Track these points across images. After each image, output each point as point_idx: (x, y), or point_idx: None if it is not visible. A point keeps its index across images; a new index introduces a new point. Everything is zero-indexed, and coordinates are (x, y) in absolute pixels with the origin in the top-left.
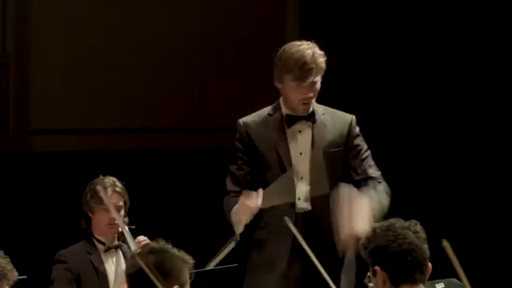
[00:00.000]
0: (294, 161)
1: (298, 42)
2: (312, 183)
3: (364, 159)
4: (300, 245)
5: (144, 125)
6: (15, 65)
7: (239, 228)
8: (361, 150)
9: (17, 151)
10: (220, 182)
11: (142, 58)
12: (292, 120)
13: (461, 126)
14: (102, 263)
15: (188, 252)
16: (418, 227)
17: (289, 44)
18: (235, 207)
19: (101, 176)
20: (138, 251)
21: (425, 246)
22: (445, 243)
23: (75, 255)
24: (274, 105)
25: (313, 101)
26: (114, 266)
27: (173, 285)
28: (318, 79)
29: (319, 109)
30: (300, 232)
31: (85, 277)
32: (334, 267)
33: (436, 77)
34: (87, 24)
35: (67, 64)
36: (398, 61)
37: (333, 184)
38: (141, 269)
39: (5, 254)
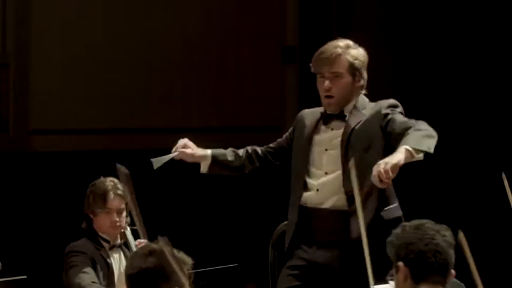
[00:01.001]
0: (318, 157)
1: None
2: (343, 180)
3: (404, 124)
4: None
5: (144, 125)
6: (15, 65)
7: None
8: (397, 121)
9: (17, 151)
10: (220, 182)
11: (142, 58)
12: (327, 118)
13: (465, 124)
14: (109, 258)
15: (188, 252)
16: (448, 232)
17: None
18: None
19: (102, 177)
20: (138, 252)
21: (452, 251)
22: (461, 236)
23: (87, 247)
24: None
25: (342, 95)
26: (118, 264)
27: (173, 287)
28: (339, 71)
29: (362, 105)
30: (302, 223)
31: (98, 267)
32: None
33: (437, 75)
34: (87, 24)
35: (67, 64)
36: (399, 61)
37: (362, 180)
38: (142, 271)
39: (5, 253)
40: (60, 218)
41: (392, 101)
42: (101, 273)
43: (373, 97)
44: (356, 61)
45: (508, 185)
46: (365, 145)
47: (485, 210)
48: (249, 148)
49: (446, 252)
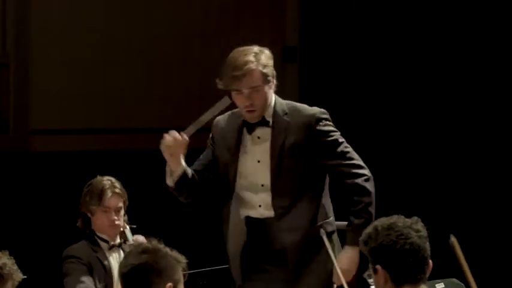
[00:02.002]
0: (252, 169)
1: (243, 48)
2: (273, 191)
3: (336, 158)
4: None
5: (144, 125)
6: (15, 65)
7: (176, 171)
8: (330, 149)
9: (17, 151)
10: None
11: (142, 58)
12: (250, 126)
13: (462, 123)
14: (107, 259)
15: (186, 252)
16: (420, 225)
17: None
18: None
19: (98, 176)
20: (132, 250)
21: (427, 244)
22: (453, 239)
23: (84, 251)
24: None
25: (263, 106)
26: (118, 264)
27: (166, 284)
28: (256, 85)
29: (282, 109)
30: (249, 236)
31: (95, 271)
32: (286, 272)
33: (436, 75)
34: (87, 24)
35: (67, 64)
36: (399, 61)
37: (298, 191)
38: (134, 268)
39: None
40: (60, 218)
41: (318, 114)
42: (97, 277)
43: (374, 97)
44: (266, 69)
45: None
46: (296, 158)
47: (477, 213)
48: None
49: (422, 247)
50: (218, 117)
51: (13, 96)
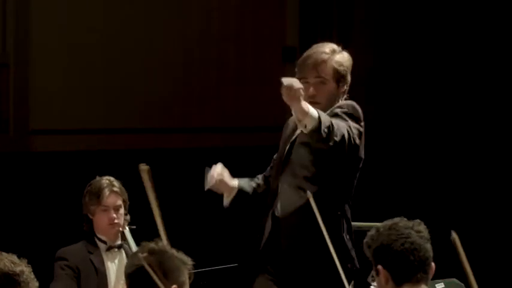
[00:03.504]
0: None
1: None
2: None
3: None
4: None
5: (144, 125)
6: (15, 65)
7: (229, 195)
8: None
9: (17, 151)
10: None
11: (142, 58)
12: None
13: (466, 126)
14: (102, 262)
15: (188, 252)
16: (422, 227)
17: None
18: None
19: (97, 177)
20: (138, 251)
21: (429, 245)
22: (455, 236)
23: (75, 253)
24: None
25: (327, 101)
26: (117, 266)
27: (172, 286)
28: (324, 77)
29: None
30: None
31: (84, 275)
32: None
33: (439, 74)
34: (87, 24)
35: (67, 64)
36: (399, 61)
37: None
38: (139, 268)
39: (5, 253)
40: (60, 218)
41: (346, 106)
42: (86, 281)
43: (374, 97)
44: (341, 67)
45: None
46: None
47: (477, 211)
48: (262, 177)
49: (423, 248)
50: (289, 118)
51: (13, 96)
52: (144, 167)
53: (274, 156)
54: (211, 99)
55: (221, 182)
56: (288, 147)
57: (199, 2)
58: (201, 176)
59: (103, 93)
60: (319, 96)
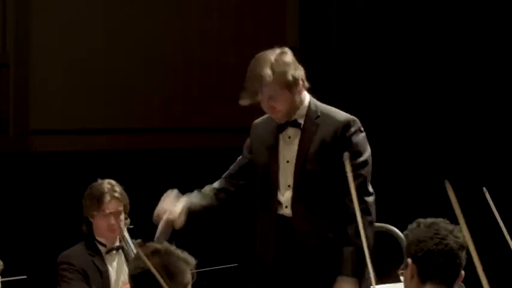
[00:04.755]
0: (282, 169)
1: (267, 52)
2: (294, 192)
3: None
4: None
5: (144, 125)
6: (15, 65)
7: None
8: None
9: (17, 151)
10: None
11: (142, 58)
12: (282, 125)
13: (462, 125)
14: (104, 264)
15: (188, 252)
16: (461, 234)
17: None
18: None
19: (99, 180)
20: (142, 251)
21: (462, 254)
22: (448, 184)
23: (79, 256)
24: None
25: (288, 109)
26: (116, 267)
27: (177, 287)
28: (272, 94)
29: (314, 112)
30: (280, 235)
31: (90, 277)
32: (316, 271)
33: (434, 75)
34: (87, 24)
35: (67, 64)
36: (399, 61)
37: (320, 195)
38: (144, 271)
39: (5, 253)
40: (60, 218)
41: (347, 122)
42: (92, 284)
43: (374, 97)
44: (285, 77)
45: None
46: (321, 161)
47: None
48: (213, 188)
49: (456, 253)
50: (256, 121)
51: (13, 96)
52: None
53: (239, 158)
54: (211, 99)
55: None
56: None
57: (199, 2)
58: (201, 176)
59: (103, 93)
60: (277, 107)
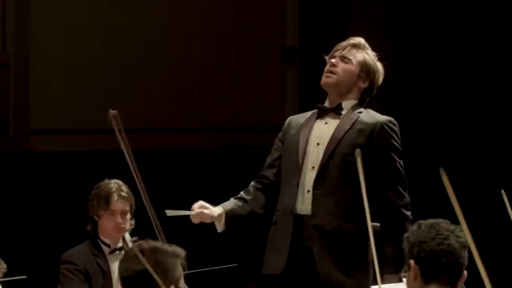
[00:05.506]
0: (310, 150)
1: None
2: (318, 173)
3: (387, 178)
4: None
5: (144, 125)
6: (15, 65)
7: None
8: (384, 166)
9: (17, 151)
10: (221, 181)
11: (142, 58)
12: (322, 111)
13: (475, 127)
14: (107, 264)
15: (188, 252)
16: (462, 234)
17: None
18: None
19: (106, 179)
20: (129, 253)
21: (465, 253)
22: (442, 171)
23: (82, 256)
24: None
25: (343, 78)
26: (117, 267)
27: (169, 286)
28: (350, 58)
29: (358, 108)
30: (295, 240)
31: (93, 277)
32: (331, 263)
33: (436, 75)
34: (87, 24)
35: (67, 64)
36: (399, 61)
37: (343, 181)
38: (137, 273)
39: (6, 253)
40: (60, 218)
41: (386, 121)
42: (94, 284)
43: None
44: (368, 62)
45: (507, 202)
46: (351, 151)
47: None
48: (251, 188)
49: (458, 253)
50: (290, 118)
51: (13, 96)
52: (113, 112)
53: (268, 157)
54: (211, 99)
55: (202, 213)
56: (306, 148)
57: (199, 2)
58: (201, 176)
59: (103, 93)
60: (338, 68)
